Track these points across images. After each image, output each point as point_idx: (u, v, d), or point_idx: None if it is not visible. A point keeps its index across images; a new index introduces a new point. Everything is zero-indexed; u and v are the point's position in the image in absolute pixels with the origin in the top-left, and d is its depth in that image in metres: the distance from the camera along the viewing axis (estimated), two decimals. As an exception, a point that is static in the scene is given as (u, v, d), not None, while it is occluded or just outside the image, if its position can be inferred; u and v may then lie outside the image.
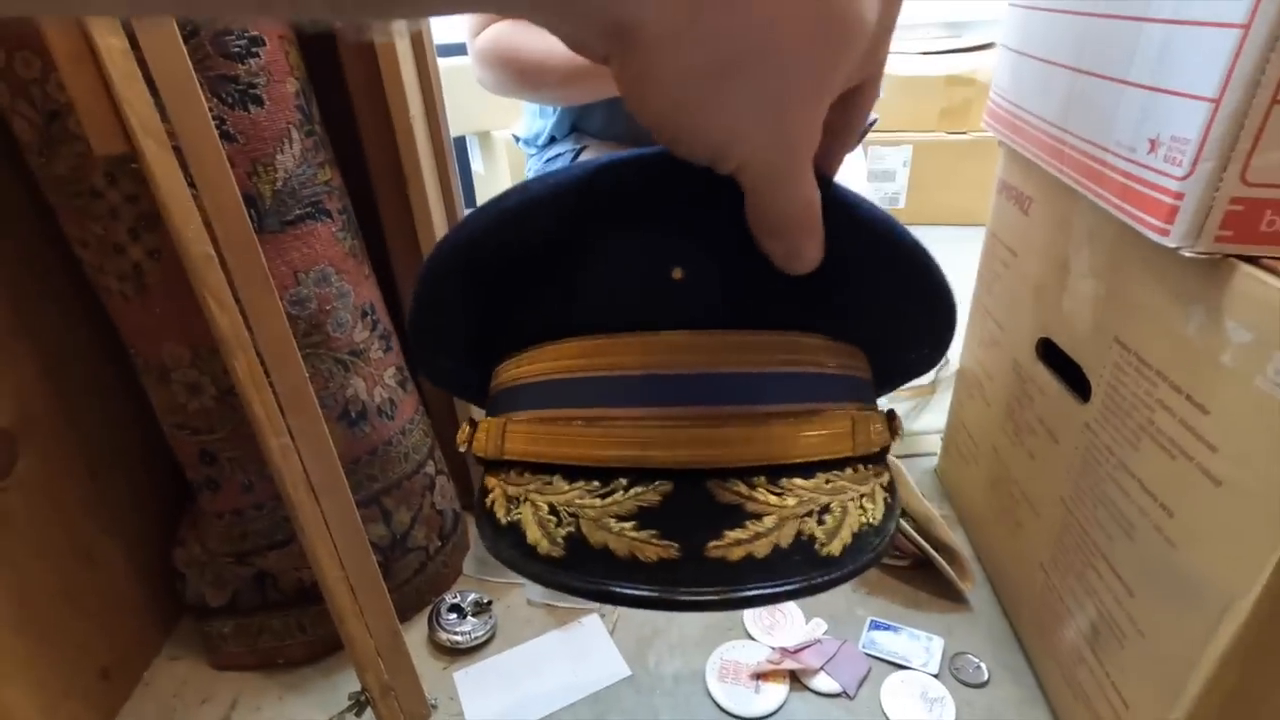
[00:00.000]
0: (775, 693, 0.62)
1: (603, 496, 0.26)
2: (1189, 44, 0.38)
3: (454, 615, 0.70)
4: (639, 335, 0.26)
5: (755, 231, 0.24)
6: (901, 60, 1.72)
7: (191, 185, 0.43)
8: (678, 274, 0.26)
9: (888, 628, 0.67)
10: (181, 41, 0.41)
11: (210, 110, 0.49)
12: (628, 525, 0.25)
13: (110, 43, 0.39)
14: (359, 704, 0.56)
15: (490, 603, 0.72)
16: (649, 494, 0.26)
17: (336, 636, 0.53)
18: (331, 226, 0.58)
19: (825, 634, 0.67)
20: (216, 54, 0.49)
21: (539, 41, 0.71)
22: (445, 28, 1.66)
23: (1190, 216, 0.39)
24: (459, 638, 0.68)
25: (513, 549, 0.27)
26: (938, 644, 0.65)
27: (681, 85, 0.17)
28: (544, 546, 0.26)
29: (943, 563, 0.69)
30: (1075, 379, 0.55)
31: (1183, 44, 0.39)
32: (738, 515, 0.26)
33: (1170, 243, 0.40)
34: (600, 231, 0.27)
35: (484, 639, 0.68)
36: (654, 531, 0.25)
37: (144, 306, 0.52)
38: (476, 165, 1.91)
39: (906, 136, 1.68)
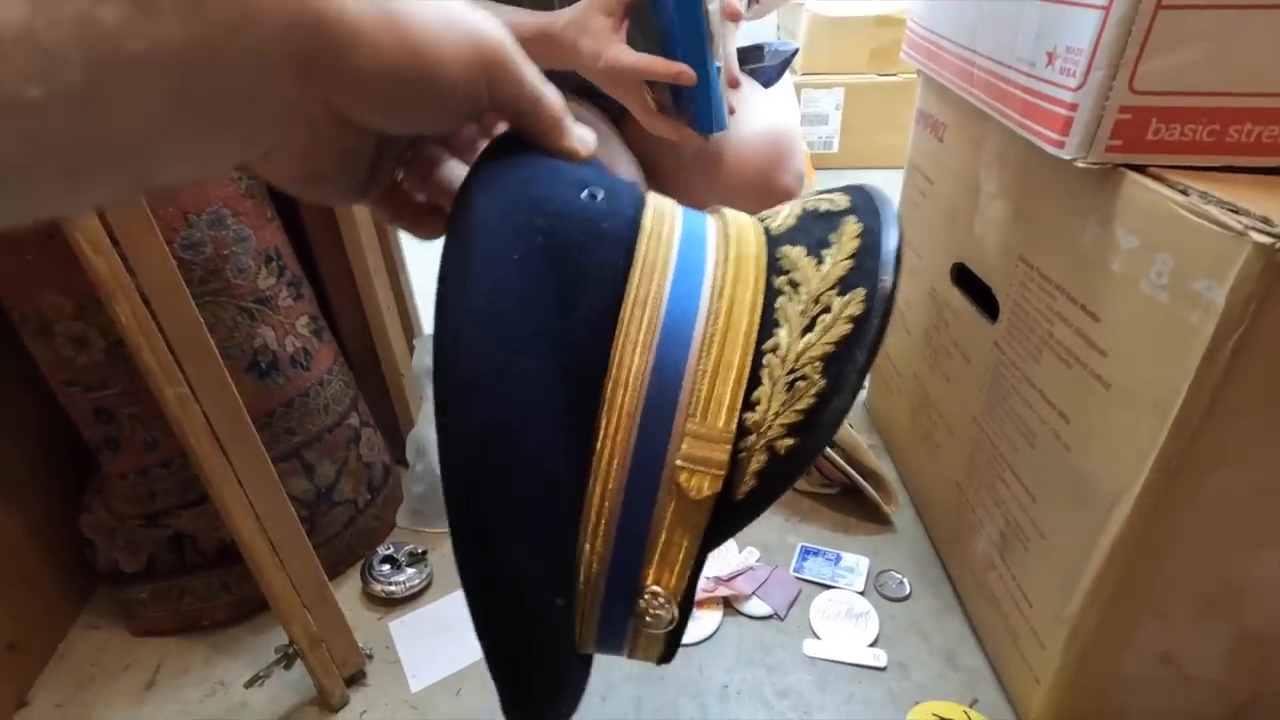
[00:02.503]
0: (709, 619, 0.63)
1: None
2: (1083, -49, 0.39)
3: (387, 566, 0.69)
4: None
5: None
6: (830, 4, 1.70)
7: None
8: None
9: (817, 553, 0.70)
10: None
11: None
12: None
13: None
14: (287, 656, 0.55)
15: (425, 552, 0.71)
16: None
17: (263, 594, 0.52)
18: (224, 165, 0.54)
19: (758, 561, 0.69)
20: None
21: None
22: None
23: (1083, 127, 0.39)
24: (394, 588, 0.67)
25: None
26: (864, 563, 0.68)
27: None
28: None
29: (869, 488, 0.72)
30: (986, 300, 0.56)
31: (1077, -48, 0.39)
32: None
33: (1065, 154, 0.41)
34: None
35: (419, 588, 0.68)
36: None
37: (14, 253, 0.48)
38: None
39: (838, 79, 1.68)
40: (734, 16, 0.57)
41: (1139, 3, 0.35)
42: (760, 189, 0.74)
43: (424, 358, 0.72)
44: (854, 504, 0.75)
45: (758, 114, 0.76)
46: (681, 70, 0.56)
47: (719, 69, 0.58)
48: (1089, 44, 0.38)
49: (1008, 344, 0.53)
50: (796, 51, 0.89)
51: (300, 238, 0.66)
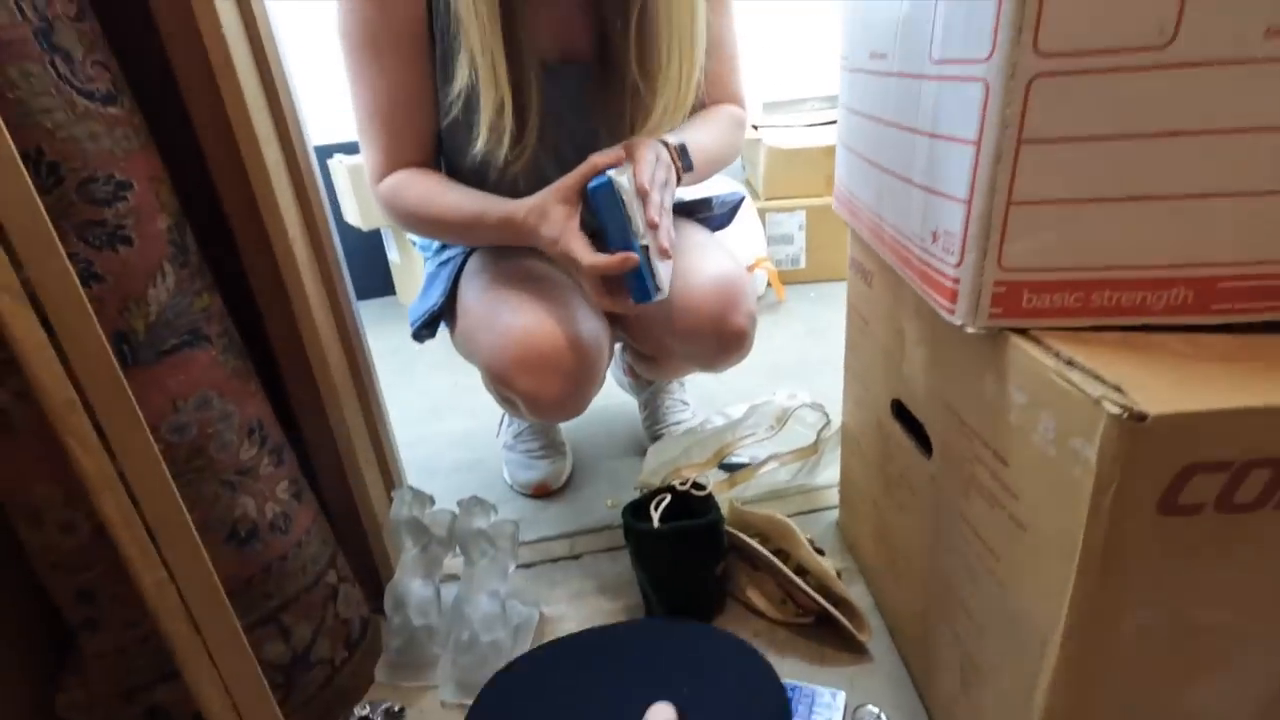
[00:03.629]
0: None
1: None
2: (945, 155, 0.45)
3: (364, 728, 0.68)
4: None
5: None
6: (789, 134, 1.86)
7: (51, 332, 0.44)
8: None
9: (794, 690, 0.70)
10: (35, 194, 0.43)
11: (77, 254, 0.51)
12: None
13: (-38, 209, 0.41)
14: (256, 839, 0.54)
15: (403, 710, 0.71)
16: None
17: (231, 769, 0.52)
18: (211, 351, 0.59)
19: (735, 701, 0.68)
20: (81, 201, 0.51)
21: (435, 196, 0.75)
22: (340, 130, 1.71)
23: (967, 298, 0.45)
24: (369, 751, 0.66)
25: None
26: (840, 698, 0.68)
27: None
28: None
29: (841, 618, 0.73)
30: (922, 436, 0.60)
31: (942, 154, 0.46)
32: None
33: (956, 320, 0.46)
34: None
35: (395, 749, 0.67)
36: None
37: (13, 449, 0.52)
38: (392, 255, 1.94)
39: (799, 203, 1.80)
40: (642, 194, 0.65)
41: (993, 200, 0.42)
42: (713, 332, 0.80)
43: (402, 508, 0.75)
44: (829, 633, 0.75)
45: (708, 262, 0.83)
46: (625, 258, 0.64)
47: (644, 246, 0.65)
48: (960, 229, 0.44)
49: (943, 480, 0.56)
50: (743, 199, 0.97)
51: (282, 398, 0.71)
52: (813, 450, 0.90)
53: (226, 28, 0.58)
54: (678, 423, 1.12)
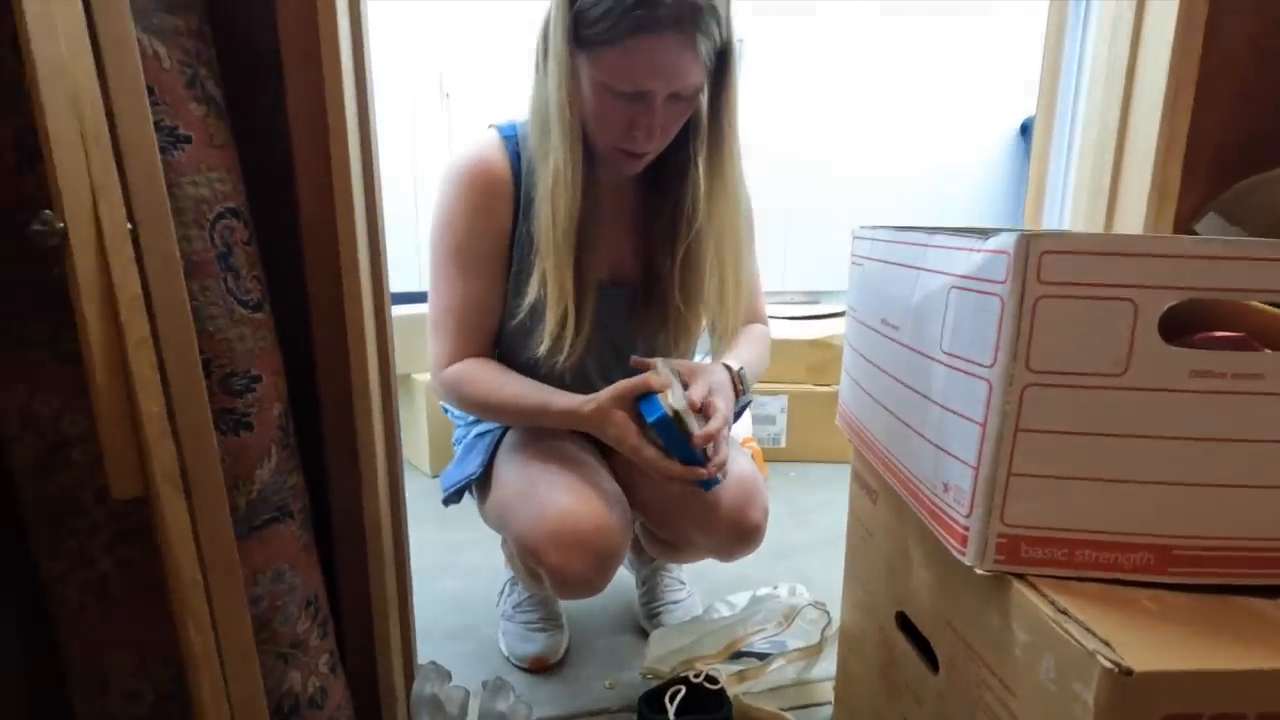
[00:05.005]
0: None
1: None
2: (955, 425, 0.57)
3: None
4: None
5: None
6: (773, 325, 2.05)
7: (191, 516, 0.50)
8: None
9: None
10: (205, 392, 0.51)
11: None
12: None
13: (151, 409, 0.48)
14: None
15: None
16: None
17: None
18: (292, 525, 0.64)
19: None
20: (221, 392, 0.58)
21: (499, 385, 0.86)
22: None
23: (976, 544, 0.54)
24: None
25: None
26: None
27: None
28: None
29: (844, 826, 0.74)
30: (927, 650, 0.67)
31: (951, 424, 0.57)
32: None
33: (967, 561, 0.55)
34: None
35: None
36: None
37: (101, 617, 0.55)
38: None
39: (781, 388, 1.96)
40: (708, 439, 0.77)
41: (996, 470, 0.52)
42: (732, 526, 0.88)
43: (425, 685, 0.76)
44: (832, 844, 0.76)
45: (729, 463, 0.92)
46: (694, 472, 0.74)
47: (703, 454, 0.75)
48: (969, 489, 0.54)
49: (949, 697, 0.62)
50: (750, 401, 1.09)
51: (329, 572, 0.74)
52: (817, 650, 0.95)
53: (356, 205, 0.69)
54: (675, 602, 1.16)
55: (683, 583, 1.21)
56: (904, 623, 0.72)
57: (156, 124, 0.52)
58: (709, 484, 0.79)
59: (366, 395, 0.71)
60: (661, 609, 1.15)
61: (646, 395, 0.78)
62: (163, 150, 0.53)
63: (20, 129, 0.50)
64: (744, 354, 0.92)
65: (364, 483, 0.73)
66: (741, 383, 0.86)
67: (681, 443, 0.75)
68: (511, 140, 0.86)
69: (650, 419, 0.76)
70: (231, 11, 0.63)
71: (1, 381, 0.53)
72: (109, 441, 0.47)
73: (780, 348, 1.97)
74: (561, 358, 0.84)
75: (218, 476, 0.51)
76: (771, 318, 2.11)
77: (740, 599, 0.99)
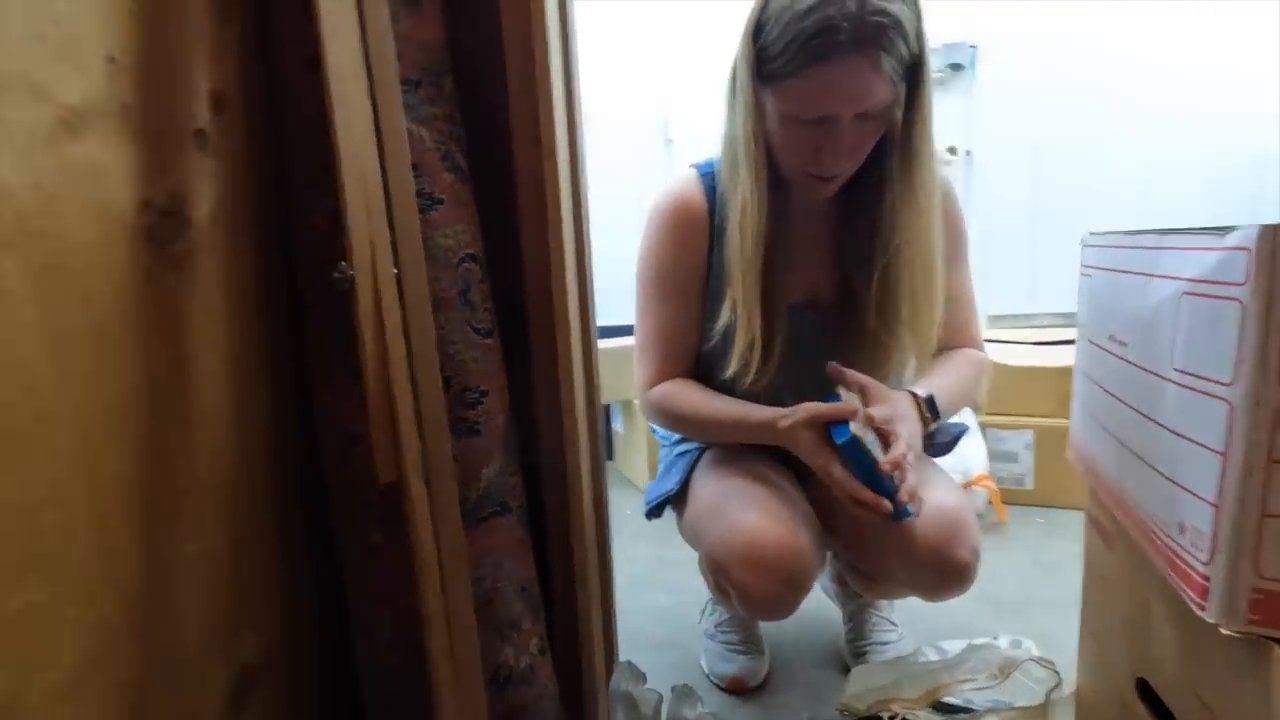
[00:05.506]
0: None
1: None
2: (1191, 455, 0.48)
3: None
4: None
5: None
6: (1016, 350, 1.84)
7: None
8: None
9: None
10: (443, 401, 0.63)
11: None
12: None
13: (404, 412, 0.61)
14: None
15: None
16: None
17: None
18: (511, 520, 0.75)
19: None
20: (457, 405, 0.71)
21: (701, 403, 0.91)
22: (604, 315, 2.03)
23: (1221, 598, 0.45)
24: None
25: None
26: None
27: None
28: None
29: None
30: (1175, 727, 0.56)
31: (1186, 453, 0.49)
32: None
33: (1209, 619, 0.46)
34: None
35: None
36: None
37: (371, 578, 0.70)
38: (617, 425, 2.17)
39: (1026, 421, 1.74)
40: (893, 464, 0.73)
41: (1244, 510, 0.43)
42: (934, 563, 0.82)
43: (621, 681, 0.82)
44: None
45: (931, 491, 0.86)
46: (879, 501, 0.72)
47: (892, 482, 0.73)
48: (1209, 530, 0.46)
49: (1202, 787, 0.52)
50: (965, 431, 1.01)
51: (542, 568, 0.84)
52: (1040, 713, 0.84)
53: (566, 242, 0.80)
54: (883, 643, 1.09)
55: (894, 624, 1.13)
56: (1145, 691, 0.62)
57: (417, 192, 0.66)
58: (898, 514, 0.75)
59: (573, 412, 0.80)
60: (868, 648, 1.09)
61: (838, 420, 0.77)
62: (421, 211, 0.67)
63: (332, 205, 0.67)
64: (939, 381, 0.86)
65: (570, 490, 0.82)
66: (930, 410, 0.81)
67: (868, 468, 0.73)
68: (708, 176, 0.92)
69: (838, 441, 0.75)
70: (477, 94, 0.78)
71: (316, 390, 0.70)
72: (376, 437, 0.61)
73: (1026, 376, 1.76)
74: (750, 379, 0.86)
75: (451, 471, 0.62)
76: (1016, 343, 1.90)
77: (954, 646, 0.90)
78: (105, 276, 0.52)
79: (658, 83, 2.28)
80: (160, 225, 0.57)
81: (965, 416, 1.65)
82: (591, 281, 0.87)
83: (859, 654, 1.09)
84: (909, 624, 1.18)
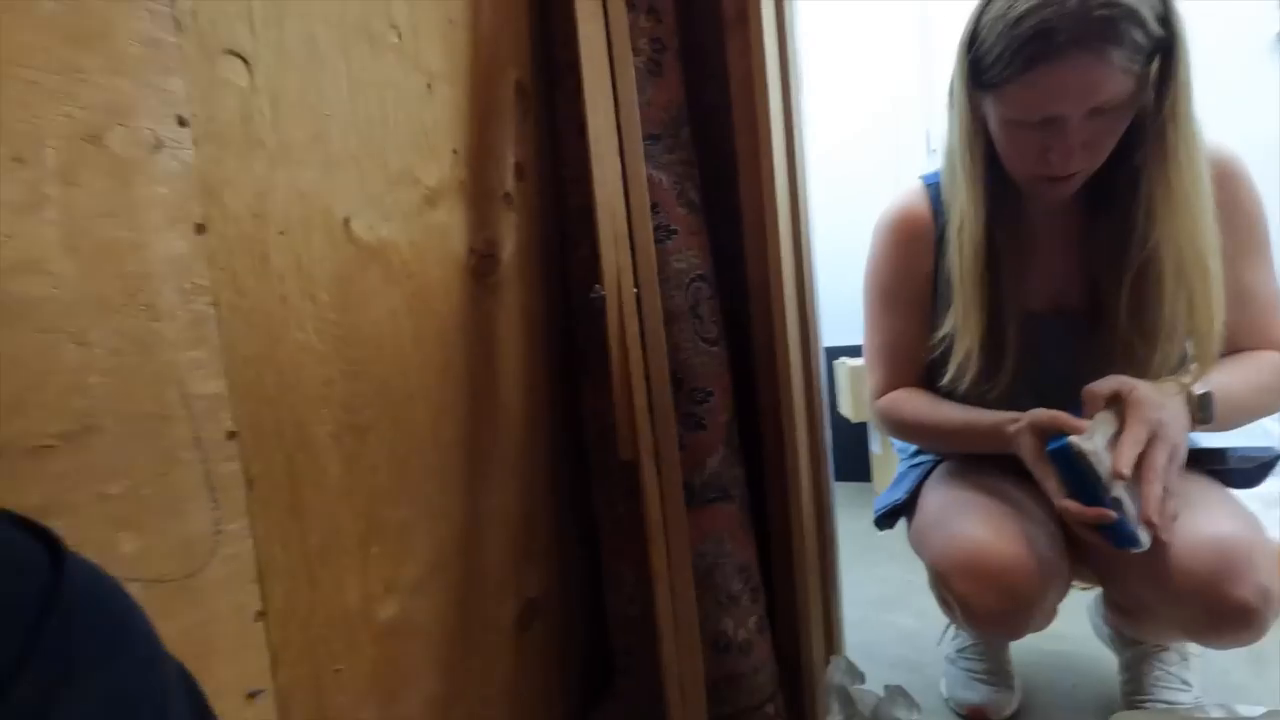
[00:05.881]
0: None
1: None
2: None
3: None
4: None
5: None
6: None
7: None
8: None
9: None
10: (671, 395, 0.76)
11: (677, 433, 0.83)
12: None
13: (640, 403, 0.75)
14: None
15: None
16: None
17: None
18: (732, 506, 0.85)
19: None
20: (686, 401, 0.84)
21: (927, 409, 0.92)
22: (832, 331, 2.02)
23: None
24: None
25: None
26: None
27: None
28: None
29: None
30: None
31: None
32: None
33: None
34: None
35: None
36: None
37: (617, 541, 0.86)
38: (874, 447, 2.13)
39: None
40: (1118, 474, 0.66)
41: None
42: (1205, 601, 0.72)
43: (836, 674, 0.87)
44: None
45: (1207, 519, 0.75)
46: (1099, 514, 0.66)
47: (1114, 499, 0.66)
48: None
49: None
50: (1277, 459, 0.84)
51: (764, 557, 0.93)
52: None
53: (785, 267, 0.88)
54: (1166, 701, 0.95)
55: (1187, 684, 0.97)
56: None
57: (656, 225, 0.82)
58: (1124, 540, 0.66)
59: (791, 415, 0.88)
60: (1147, 705, 0.95)
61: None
62: (659, 241, 0.82)
63: (593, 239, 0.85)
64: (1222, 378, 0.74)
65: (789, 485, 0.89)
66: (1204, 410, 0.70)
67: (1083, 480, 0.67)
68: (933, 187, 0.93)
69: (1049, 449, 0.70)
70: (711, 135, 0.91)
71: (582, 386, 0.89)
72: (619, 423, 0.76)
73: None
74: (966, 386, 0.84)
75: (677, 455, 0.75)
76: None
77: (1251, 711, 0.76)
78: (446, 300, 0.75)
79: (921, 93, 2.21)
80: (480, 264, 0.80)
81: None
82: (814, 299, 0.94)
83: (1133, 709, 0.96)
84: (1207, 682, 0.99)
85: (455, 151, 0.78)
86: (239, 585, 0.55)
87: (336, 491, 0.63)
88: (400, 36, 0.71)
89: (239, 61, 0.57)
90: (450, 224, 0.76)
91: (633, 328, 0.76)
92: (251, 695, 0.55)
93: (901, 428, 0.95)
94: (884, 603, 1.43)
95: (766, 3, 0.85)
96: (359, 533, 0.65)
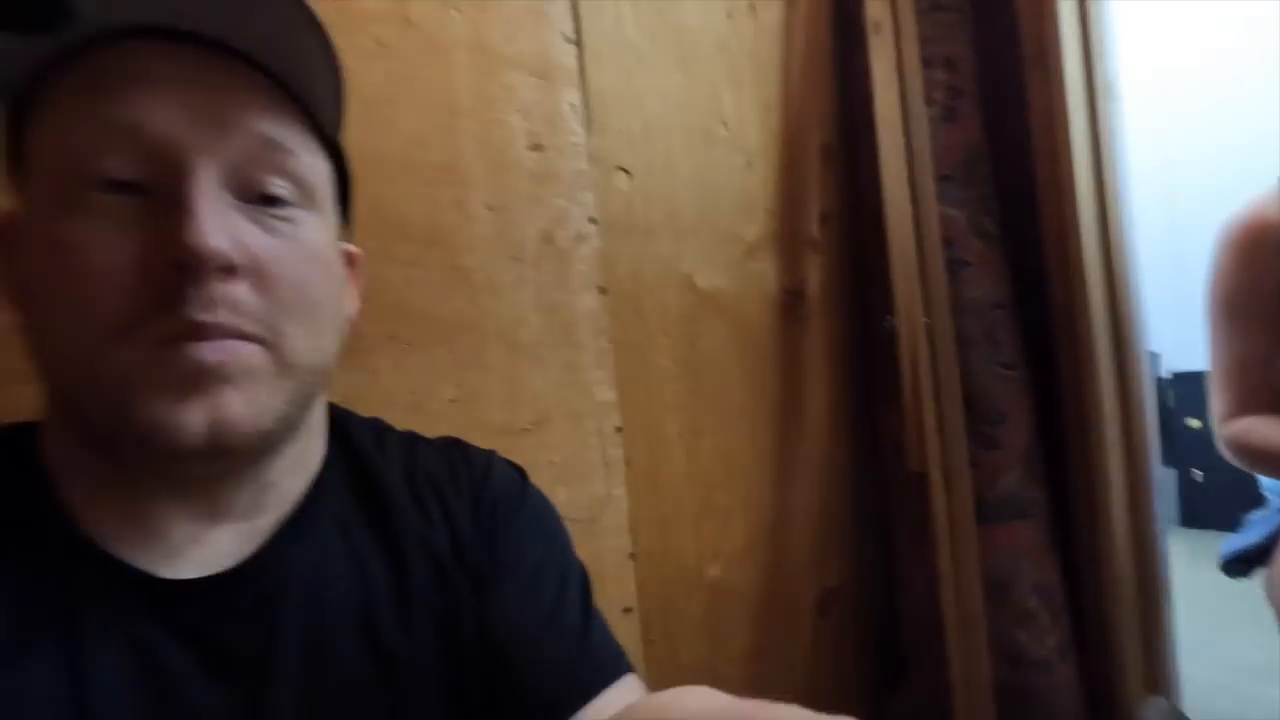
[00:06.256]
0: None
1: None
2: None
3: None
4: None
5: None
6: None
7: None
8: None
9: None
10: (962, 416, 0.83)
11: (969, 456, 0.89)
12: None
13: (929, 421, 0.84)
14: None
15: None
16: None
17: None
18: (1030, 526, 0.88)
19: None
20: (978, 420, 0.89)
21: (1275, 440, 0.83)
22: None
23: None
24: None
25: None
26: None
27: None
28: None
29: None
30: None
31: None
32: None
33: None
34: None
35: None
36: None
37: (909, 543, 0.95)
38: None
39: None
40: None
41: None
42: None
43: (1151, 715, 0.83)
44: None
45: None
46: None
47: None
48: None
49: None
50: None
51: (1074, 579, 0.92)
52: None
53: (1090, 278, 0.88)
54: None
55: None
56: None
57: (950, 259, 0.90)
58: None
59: (1101, 439, 0.87)
60: None
61: None
62: (952, 273, 0.90)
63: (888, 274, 0.96)
64: None
65: (1097, 509, 0.87)
66: None
67: None
68: (1293, 191, 0.82)
69: None
70: (1012, 164, 0.95)
71: (877, 405, 1.00)
72: (909, 438, 0.86)
73: None
74: None
75: (966, 469, 0.82)
76: None
77: None
78: (762, 331, 0.94)
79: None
80: (790, 301, 0.97)
81: None
82: (1135, 325, 0.91)
83: None
84: None
85: (769, 210, 0.96)
86: (619, 532, 0.80)
87: (681, 476, 0.85)
88: (727, 129, 0.92)
89: (623, 174, 0.83)
90: (765, 269, 0.95)
91: (923, 353, 0.85)
92: (626, 610, 0.80)
93: (1252, 458, 0.86)
94: (1258, 674, 1.21)
95: (1070, 35, 0.86)
96: (694, 509, 0.87)
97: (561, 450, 0.75)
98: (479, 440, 0.47)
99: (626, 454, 0.80)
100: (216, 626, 0.33)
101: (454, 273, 0.69)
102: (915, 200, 0.88)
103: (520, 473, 0.46)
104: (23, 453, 0.34)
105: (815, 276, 1.00)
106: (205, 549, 0.34)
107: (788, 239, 0.98)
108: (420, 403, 0.67)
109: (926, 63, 0.92)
